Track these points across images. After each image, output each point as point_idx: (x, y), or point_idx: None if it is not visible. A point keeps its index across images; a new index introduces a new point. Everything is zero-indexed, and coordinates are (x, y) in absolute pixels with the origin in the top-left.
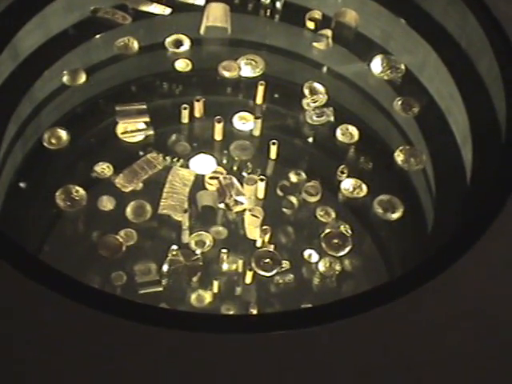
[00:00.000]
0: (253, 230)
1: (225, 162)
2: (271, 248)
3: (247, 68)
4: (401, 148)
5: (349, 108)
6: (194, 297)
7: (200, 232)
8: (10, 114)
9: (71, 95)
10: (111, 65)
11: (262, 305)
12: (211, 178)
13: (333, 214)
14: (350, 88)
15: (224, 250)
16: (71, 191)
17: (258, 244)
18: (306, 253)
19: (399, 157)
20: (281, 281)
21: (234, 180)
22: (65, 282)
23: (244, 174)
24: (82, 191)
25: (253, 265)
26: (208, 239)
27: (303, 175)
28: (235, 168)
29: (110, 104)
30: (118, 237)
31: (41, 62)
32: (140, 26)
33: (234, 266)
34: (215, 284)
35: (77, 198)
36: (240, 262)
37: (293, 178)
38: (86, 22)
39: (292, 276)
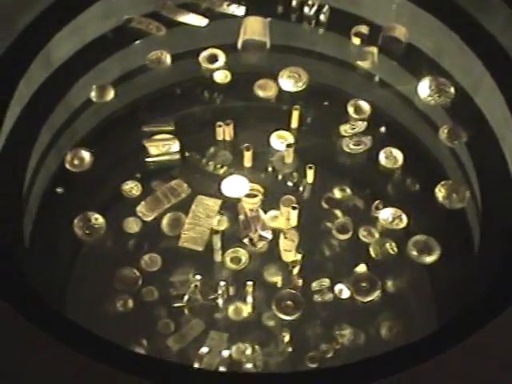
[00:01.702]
0: (288, 253)
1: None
2: (298, 281)
3: (289, 82)
4: (443, 183)
5: (394, 128)
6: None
7: (236, 248)
8: (43, 123)
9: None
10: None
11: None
12: (249, 196)
13: (376, 235)
14: (397, 107)
15: (249, 283)
16: (90, 218)
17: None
18: (337, 288)
19: (440, 192)
20: (320, 299)
21: (261, 213)
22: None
23: (289, 183)
24: (101, 219)
25: (273, 307)
26: (244, 256)
27: (348, 191)
28: (280, 177)
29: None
30: (134, 270)
31: (74, 70)
32: (175, 36)
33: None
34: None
35: (96, 226)
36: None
37: (337, 194)
38: (119, 31)
39: (332, 295)
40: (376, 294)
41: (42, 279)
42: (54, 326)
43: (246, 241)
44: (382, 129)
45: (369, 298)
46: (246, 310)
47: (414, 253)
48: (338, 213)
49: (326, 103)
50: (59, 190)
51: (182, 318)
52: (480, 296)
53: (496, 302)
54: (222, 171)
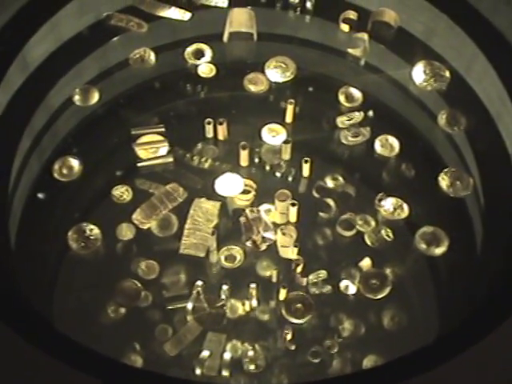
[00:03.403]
0: (285, 249)
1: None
2: (302, 280)
3: (276, 72)
4: (445, 170)
5: (389, 116)
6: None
7: (230, 246)
8: (24, 127)
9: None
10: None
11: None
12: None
13: (372, 223)
14: (390, 93)
15: (253, 285)
16: (85, 230)
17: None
18: (343, 283)
19: (444, 180)
20: (317, 292)
21: (263, 214)
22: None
23: (277, 173)
24: (96, 230)
25: (283, 311)
26: (239, 254)
27: (340, 180)
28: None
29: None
30: (136, 282)
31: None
32: (156, 29)
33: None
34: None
35: (92, 238)
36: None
37: (330, 183)
38: (97, 28)
39: (330, 287)
40: (387, 290)
41: (29, 285)
42: (41, 337)
43: (248, 243)
44: (370, 113)
45: (380, 296)
46: (242, 307)
47: (423, 245)
48: (331, 202)
49: (315, 91)
50: (41, 195)
51: (177, 320)
52: (482, 291)
53: (498, 309)
54: (206, 165)
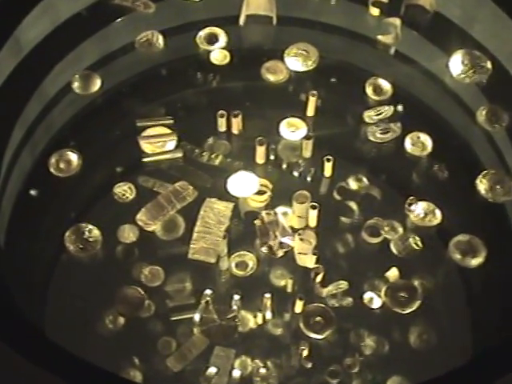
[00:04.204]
0: (303, 257)
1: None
2: (322, 291)
3: (297, 61)
4: (484, 173)
5: (421, 111)
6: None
7: (242, 252)
8: (16, 117)
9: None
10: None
11: None
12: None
13: (399, 230)
14: (424, 85)
15: (267, 295)
16: (83, 231)
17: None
18: (367, 296)
19: (482, 184)
20: (337, 304)
21: (280, 217)
22: None
23: (296, 173)
24: (96, 231)
25: (301, 325)
26: (251, 261)
27: (365, 181)
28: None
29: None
30: (139, 289)
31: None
32: (163, 10)
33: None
34: None
35: (90, 240)
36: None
37: (353, 184)
38: (97, 8)
39: (350, 300)
40: (416, 305)
41: (18, 290)
42: (31, 348)
43: (264, 249)
44: (400, 107)
45: (408, 310)
46: (254, 320)
47: (457, 255)
48: (353, 206)
49: (339, 83)
50: (34, 191)
51: (181, 332)
52: None
53: None
54: (217, 161)
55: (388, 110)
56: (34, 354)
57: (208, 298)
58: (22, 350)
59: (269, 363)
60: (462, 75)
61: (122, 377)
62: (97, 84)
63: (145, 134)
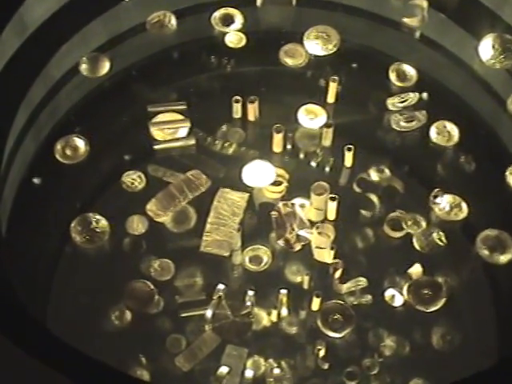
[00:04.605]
0: (321, 252)
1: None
2: (341, 287)
3: (317, 44)
4: None
5: (448, 99)
6: None
7: (256, 246)
8: (20, 101)
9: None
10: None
11: None
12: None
13: (423, 224)
14: (451, 71)
15: (283, 291)
16: (90, 221)
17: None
18: (388, 293)
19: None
20: (355, 302)
21: (297, 208)
22: None
23: (314, 163)
24: (104, 221)
25: (318, 323)
26: (266, 255)
27: (387, 172)
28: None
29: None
30: (148, 283)
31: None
32: None
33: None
34: None
35: (97, 230)
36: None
37: (374, 175)
38: None
39: (370, 298)
40: (441, 303)
41: (21, 283)
42: (34, 343)
43: (280, 242)
44: (425, 94)
45: (432, 308)
46: (268, 317)
47: (485, 251)
48: (374, 198)
49: (361, 68)
50: (38, 179)
51: (191, 330)
52: None
53: None
54: (231, 150)
55: (413, 98)
56: (36, 349)
57: (221, 293)
58: (24, 345)
59: (283, 363)
60: (492, 60)
61: (129, 375)
62: (105, 66)
63: (156, 120)
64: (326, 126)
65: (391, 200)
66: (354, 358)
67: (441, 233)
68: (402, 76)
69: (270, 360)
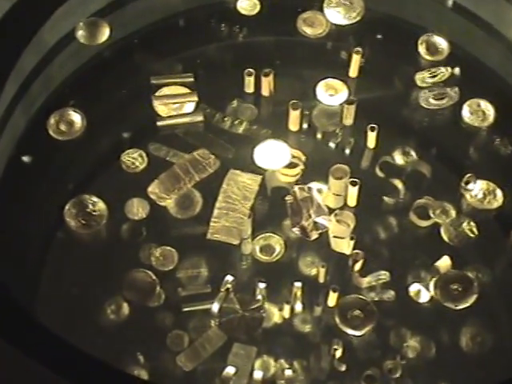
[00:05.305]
0: (339, 242)
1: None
2: (361, 281)
3: (339, 13)
4: None
5: (482, 74)
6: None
7: (268, 234)
8: (10, 69)
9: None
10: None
11: None
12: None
13: (452, 213)
14: (485, 44)
15: (297, 284)
16: (86, 204)
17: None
18: (413, 288)
19: None
20: (376, 298)
21: (315, 193)
22: None
23: (333, 143)
24: (101, 204)
25: (336, 319)
26: (278, 244)
27: (413, 155)
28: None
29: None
30: (150, 273)
31: None
32: None
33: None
34: None
35: (94, 214)
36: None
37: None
38: None
39: (392, 294)
40: (473, 299)
41: (8, 271)
42: (23, 337)
43: (295, 230)
44: (457, 70)
45: (463, 305)
46: (279, 313)
47: None
48: (398, 184)
49: (387, 39)
50: (27, 158)
51: (194, 325)
52: None
53: None
54: (241, 129)
55: (444, 72)
56: (24, 342)
57: (229, 286)
58: (11, 337)
59: (295, 364)
60: None
61: (126, 373)
62: (104, 33)
63: (159, 93)
64: (348, 102)
65: (417, 186)
66: (374, 360)
67: (472, 223)
68: (432, 49)
69: (281, 360)
